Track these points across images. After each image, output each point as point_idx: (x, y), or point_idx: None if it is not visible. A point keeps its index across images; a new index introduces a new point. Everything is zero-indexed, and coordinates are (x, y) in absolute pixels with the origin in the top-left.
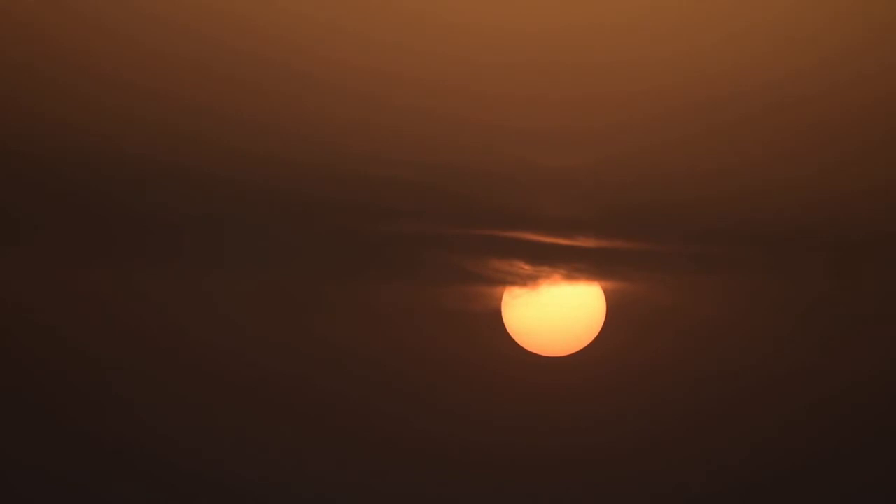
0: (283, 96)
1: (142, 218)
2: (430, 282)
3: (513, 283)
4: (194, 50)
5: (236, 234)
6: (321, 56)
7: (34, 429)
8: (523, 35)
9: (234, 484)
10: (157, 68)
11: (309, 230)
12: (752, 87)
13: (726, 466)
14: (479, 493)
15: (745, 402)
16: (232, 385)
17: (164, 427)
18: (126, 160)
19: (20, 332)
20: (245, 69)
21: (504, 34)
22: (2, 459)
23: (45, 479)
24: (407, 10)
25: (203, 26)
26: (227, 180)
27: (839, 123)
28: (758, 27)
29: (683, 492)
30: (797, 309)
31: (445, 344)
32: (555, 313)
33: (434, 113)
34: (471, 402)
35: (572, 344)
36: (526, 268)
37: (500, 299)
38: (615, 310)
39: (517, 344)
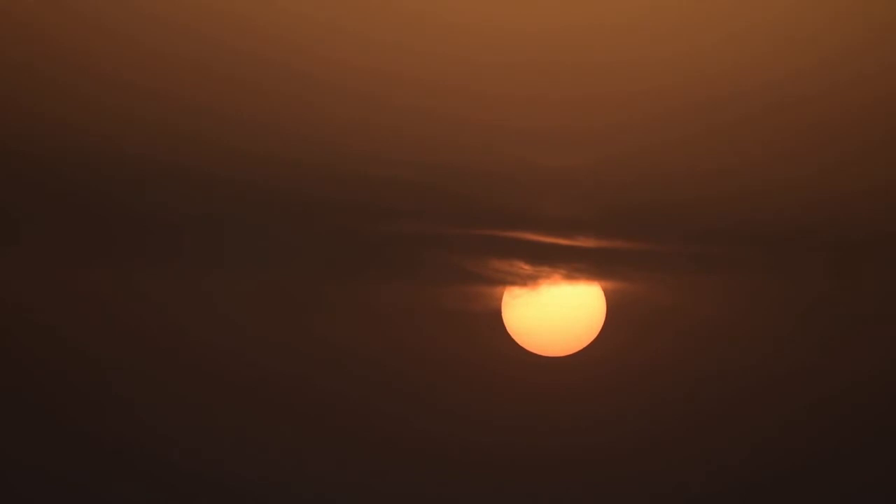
0: (283, 96)
1: (142, 218)
2: (430, 282)
3: (513, 283)
4: (194, 50)
5: (236, 234)
6: (321, 56)
7: (34, 429)
8: (523, 35)
9: (234, 484)
10: (157, 68)
11: (309, 230)
12: (752, 87)
13: (726, 466)
14: (479, 493)
15: (745, 402)
16: (232, 385)
17: (164, 427)
18: (126, 160)
19: (20, 332)
20: (245, 69)
21: (504, 34)
22: (2, 459)
23: (45, 479)
24: (407, 10)
25: (203, 26)
26: (227, 180)
27: (839, 123)
28: (758, 27)
29: (683, 492)
30: (797, 309)
31: (445, 344)
32: (555, 313)
33: (434, 113)
34: (471, 402)
35: (572, 344)
36: (526, 268)
37: (500, 299)
38: (615, 310)
39: (517, 344)
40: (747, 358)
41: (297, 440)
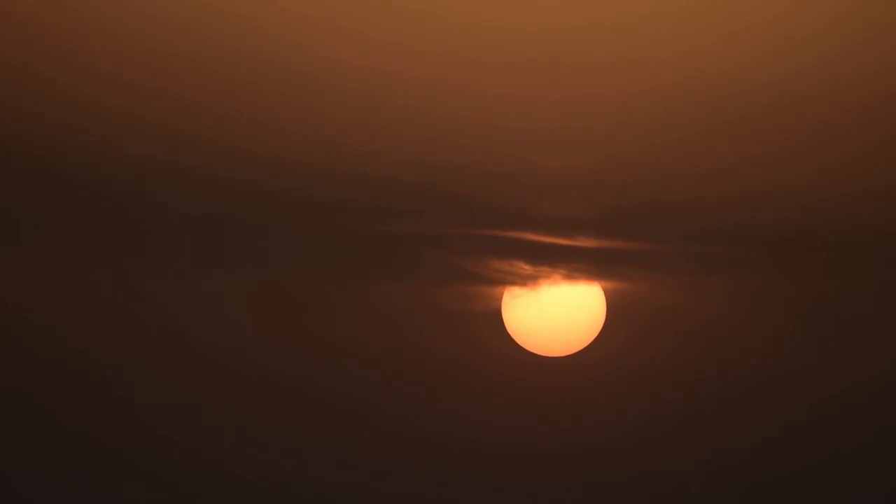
0: (283, 96)
1: (142, 218)
2: (430, 282)
3: (513, 283)
4: (194, 50)
5: (236, 234)
6: (321, 56)
7: (34, 429)
8: (523, 35)
9: (234, 484)
10: (157, 68)
11: (309, 230)
12: (752, 87)
13: (726, 466)
14: (479, 493)
15: (745, 402)
16: (232, 385)
17: (164, 427)
18: (126, 160)
19: (20, 332)
20: (245, 69)
21: (504, 34)
22: (2, 459)
23: (45, 479)
24: (407, 10)
25: (203, 26)
26: (227, 180)
27: (839, 123)
28: (758, 27)
29: (683, 492)
30: (797, 309)
31: (445, 344)
32: (555, 313)
33: (434, 113)
34: (471, 402)
35: (572, 344)
36: (526, 268)
37: (500, 299)
38: (615, 310)
39: (517, 344)
40: (747, 358)
41: (297, 440)
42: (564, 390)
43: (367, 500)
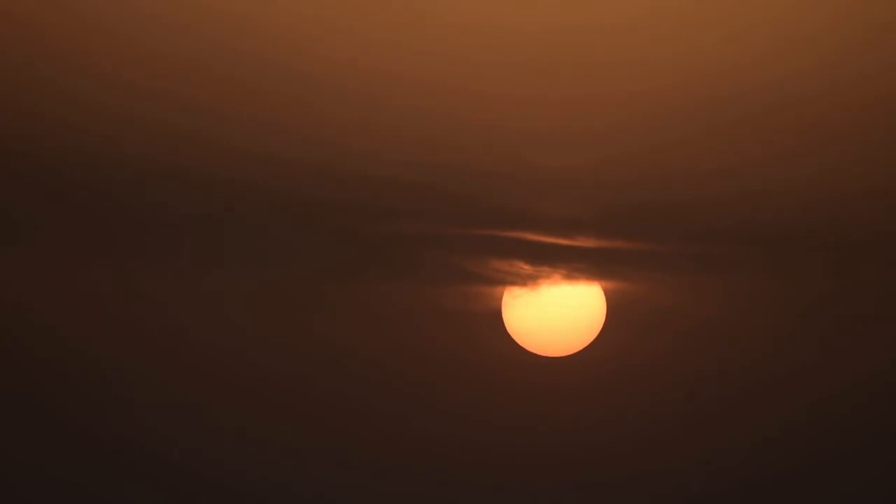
0: (283, 96)
1: (142, 218)
2: (430, 282)
3: (513, 283)
4: (194, 50)
5: (236, 234)
6: (321, 56)
7: (34, 429)
8: (523, 35)
9: (234, 484)
10: (157, 68)
11: (309, 230)
12: (752, 87)
13: (726, 466)
14: (479, 493)
15: (745, 402)
16: (232, 385)
17: (164, 427)
18: (126, 160)
19: (20, 332)
20: (245, 69)
21: (504, 34)
22: (2, 459)
23: (45, 479)
24: (407, 10)
25: (203, 26)
26: (227, 180)
27: (839, 123)
28: (758, 27)
29: (683, 492)
30: (797, 309)
31: (445, 344)
32: (555, 313)
33: (434, 113)
34: (471, 402)
35: (572, 344)
36: (526, 268)
37: (500, 299)
38: (615, 310)
39: (517, 344)
40: (747, 358)
41: (297, 440)
42: (564, 390)
43: (367, 500)
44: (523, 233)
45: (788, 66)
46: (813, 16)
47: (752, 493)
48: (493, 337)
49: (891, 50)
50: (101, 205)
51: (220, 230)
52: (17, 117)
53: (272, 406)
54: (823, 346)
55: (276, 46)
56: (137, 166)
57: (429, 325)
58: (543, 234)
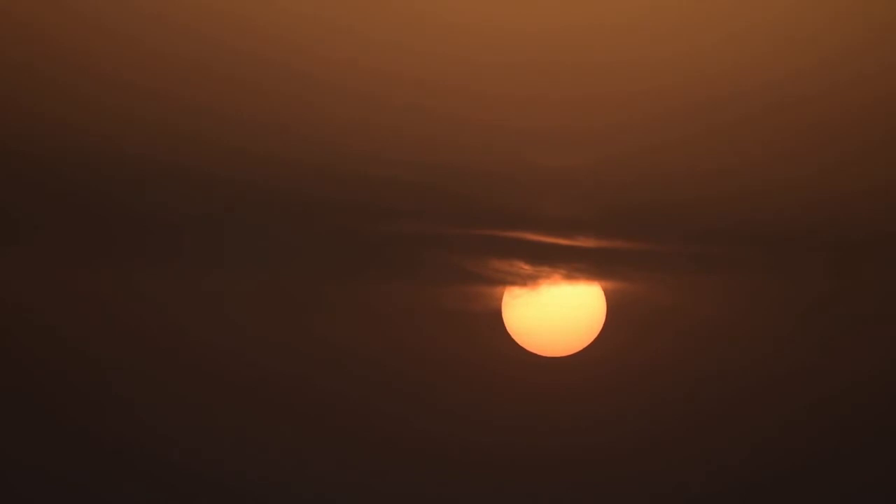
0: (283, 96)
1: (142, 218)
2: (430, 282)
3: (513, 283)
4: (194, 50)
5: (236, 234)
6: (321, 56)
7: (34, 429)
8: (523, 35)
9: (234, 484)
10: (157, 68)
11: (309, 230)
12: (752, 87)
13: (726, 466)
14: (479, 493)
15: (745, 402)
16: (232, 385)
17: (164, 427)
18: (126, 160)
19: (20, 332)
20: (245, 69)
21: (504, 34)
22: (2, 459)
23: (45, 479)
24: (407, 10)
25: (203, 26)
26: (227, 180)
27: (839, 123)
28: (758, 27)
29: (683, 492)
30: (797, 309)
31: (445, 344)
32: (555, 313)
33: (434, 113)
34: (471, 402)
35: (572, 344)
36: (526, 268)
37: (500, 299)
38: (615, 310)
39: (517, 344)
40: (747, 358)
41: (297, 440)
42: (564, 390)
43: (367, 500)
44: (523, 233)
45: (788, 66)
46: (813, 16)
47: (752, 493)
48: (493, 337)
49: (891, 50)
50: (101, 205)
51: (220, 230)
52: (17, 117)
53: (272, 406)
54: (823, 346)
55: (276, 46)
56: (137, 166)
57: (429, 325)
58: (543, 234)
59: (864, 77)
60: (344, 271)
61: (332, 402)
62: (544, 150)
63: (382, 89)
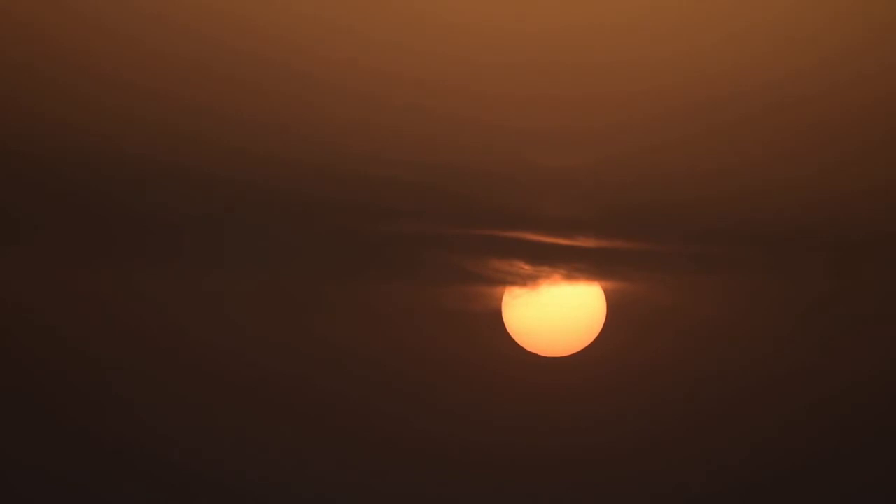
0: (283, 96)
1: (142, 218)
2: (430, 282)
3: (513, 283)
4: (194, 50)
5: (236, 234)
6: (321, 56)
7: (34, 429)
8: (523, 35)
9: (234, 484)
10: (157, 68)
11: (309, 230)
12: (752, 87)
13: (726, 466)
14: (479, 493)
15: (745, 402)
16: (232, 385)
17: (164, 427)
18: (126, 160)
19: (20, 332)
20: (245, 69)
21: (504, 34)
22: (2, 459)
23: (45, 479)
24: (407, 10)
25: (203, 26)
26: (227, 180)
27: (839, 123)
28: (758, 27)
29: (683, 492)
30: (797, 309)
31: (445, 344)
32: (555, 313)
33: (434, 113)
34: (471, 402)
35: (572, 344)
36: (526, 268)
37: (500, 299)
38: (615, 310)
39: (517, 344)
40: (747, 358)
41: (297, 440)
42: (564, 390)
43: (367, 500)
44: (523, 233)
45: (788, 66)
46: (813, 16)
47: (752, 493)
48: (493, 337)
49: (891, 50)
50: (101, 205)
51: (220, 230)
52: (17, 117)
53: (272, 406)
54: (823, 346)
55: (276, 46)
56: (137, 166)
57: (429, 325)
58: (543, 234)
59: (864, 77)
60: (344, 271)
61: (332, 402)
62: (544, 150)
63: (382, 89)
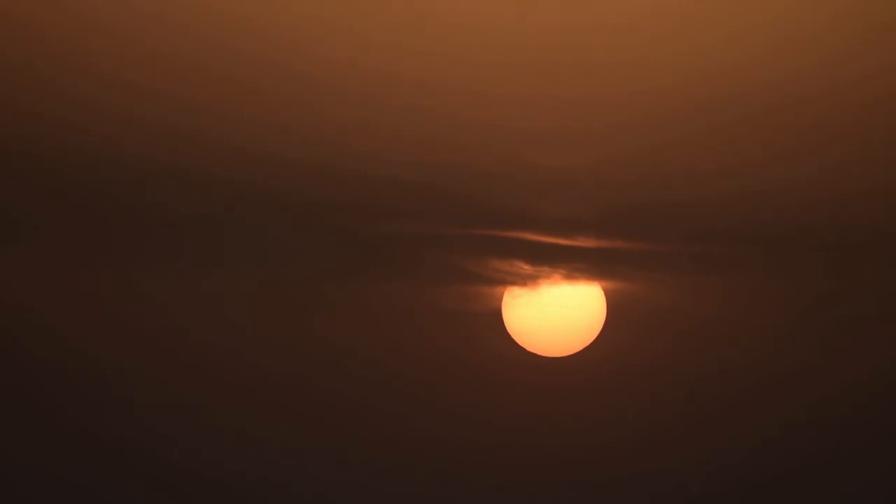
0: (283, 96)
1: (142, 218)
2: (430, 282)
3: (513, 283)
4: (194, 50)
5: (236, 234)
6: (321, 56)
7: (34, 429)
8: (523, 35)
9: (234, 484)
10: (157, 68)
11: (309, 230)
12: (752, 87)
13: (726, 466)
14: (479, 493)
15: (745, 402)
16: (232, 385)
17: (164, 427)
18: (126, 160)
19: (20, 332)
20: (245, 69)
21: (504, 34)
22: (2, 459)
23: (45, 479)
24: (407, 10)
25: (203, 26)
26: (227, 180)
27: (839, 123)
28: (758, 27)
29: (683, 492)
30: (797, 309)
31: (445, 344)
32: (555, 313)
33: (434, 113)
34: (471, 402)
35: (572, 344)
36: (526, 268)
37: (500, 299)
38: (615, 310)
39: (517, 344)
40: (747, 358)
41: (297, 440)
42: (564, 390)
43: (367, 500)
44: (523, 233)
45: (788, 66)
46: (813, 16)
47: (752, 493)
48: (493, 337)
49: (891, 50)
50: (101, 205)
51: (220, 230)
52: (17, 117)
53: (272, 406)
54: (823, 346)
55: (276, 46)
56: (137, 166)
57: (429, 325)
58: (543, 234)
59: (864, 77)
60: (344, 271)
61: (332, 402)
62: (544, 150)
63: (382, 89)
